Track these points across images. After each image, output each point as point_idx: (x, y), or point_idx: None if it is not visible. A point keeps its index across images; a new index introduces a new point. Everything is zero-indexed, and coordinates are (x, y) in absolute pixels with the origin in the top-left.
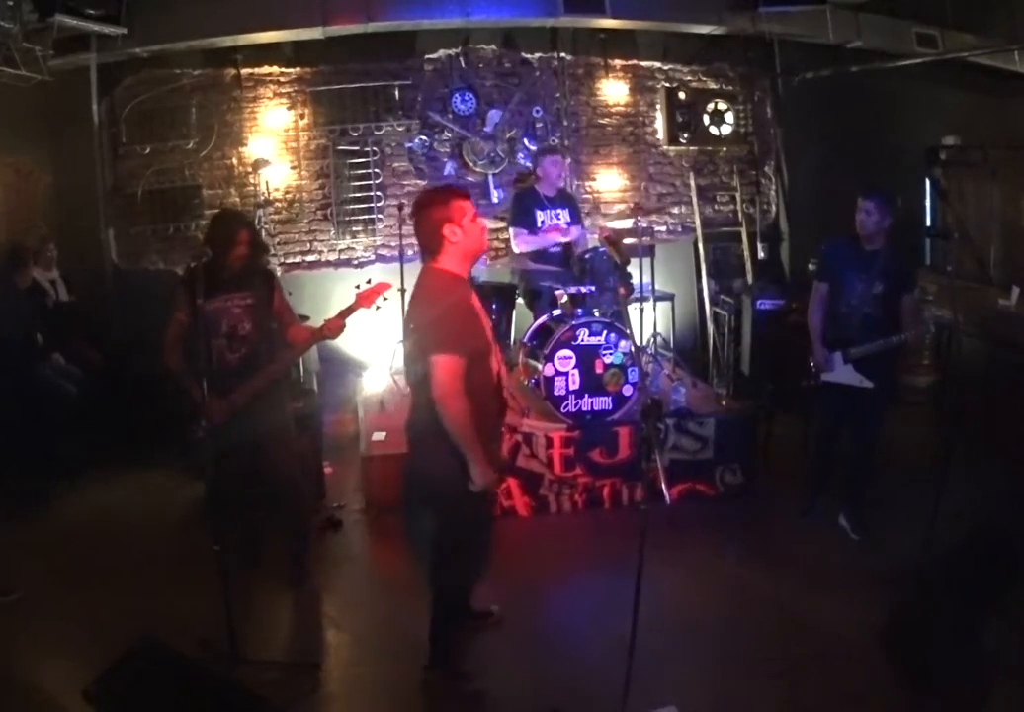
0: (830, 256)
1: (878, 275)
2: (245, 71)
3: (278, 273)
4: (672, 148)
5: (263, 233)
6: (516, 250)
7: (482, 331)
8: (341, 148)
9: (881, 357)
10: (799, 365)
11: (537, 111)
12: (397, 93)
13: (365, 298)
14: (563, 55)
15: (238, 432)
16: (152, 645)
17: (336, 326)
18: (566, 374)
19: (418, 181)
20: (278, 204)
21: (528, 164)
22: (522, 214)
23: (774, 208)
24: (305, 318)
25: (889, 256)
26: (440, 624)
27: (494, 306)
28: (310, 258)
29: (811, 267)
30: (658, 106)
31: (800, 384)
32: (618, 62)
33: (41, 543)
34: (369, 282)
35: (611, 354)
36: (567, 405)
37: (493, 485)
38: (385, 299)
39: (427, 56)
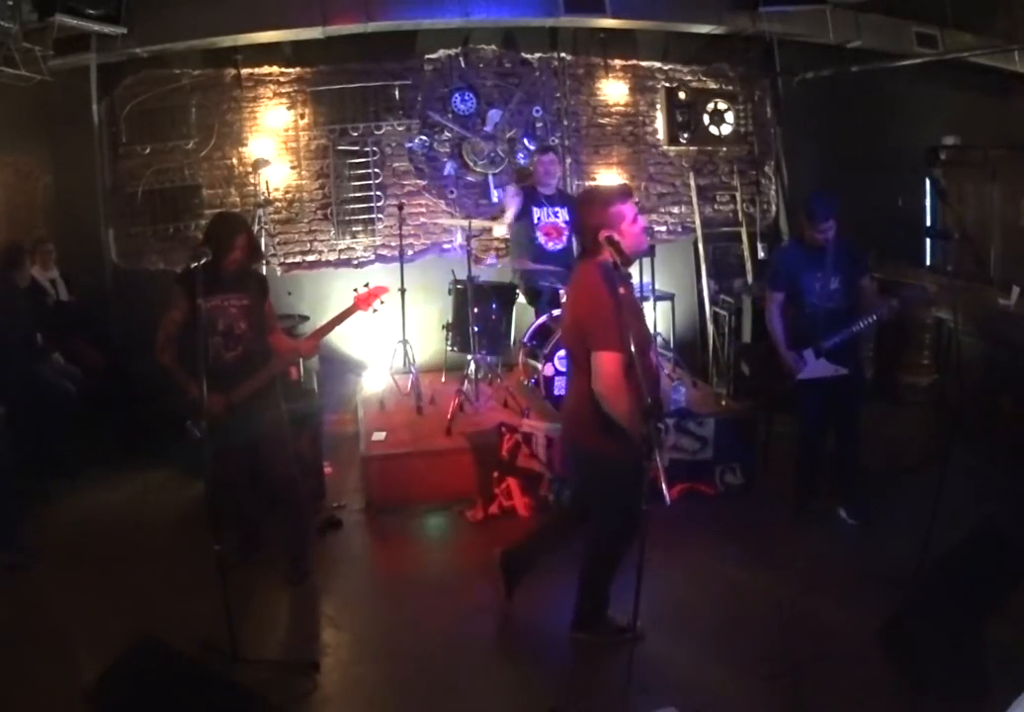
0: (781, 264)
1: (832, 270)
2: (245, 71)
3: (278, 273)
4: (672, 148)
5: (263, 233)
6: (501, 226)
7: (639, 324)
8: (341, 148)
9: (850, 342)
10: (775, 370)
11: (537, 111)
12: (397, 93)
13: (363, 301)
14: (563, 55)
15: (235, 431)
16: (151, 645)
17: (310, 347)
18: (566, 374)
19: (418, 181)
20: (278, 204)
21: (526, 163)
22: (522, 211)
23: (774, 208)
24: (305, 318)
25: (838, 249)
26: (597, 588)
27: (494, 306)
28: (310, 258)
29: None
30: (658, 106)
31: (775, 388)
32: (618, 62)
33: (40, 542)
34: (367, 285)
35: None
36: None
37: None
38: (382, 303)
39: (427, 56)
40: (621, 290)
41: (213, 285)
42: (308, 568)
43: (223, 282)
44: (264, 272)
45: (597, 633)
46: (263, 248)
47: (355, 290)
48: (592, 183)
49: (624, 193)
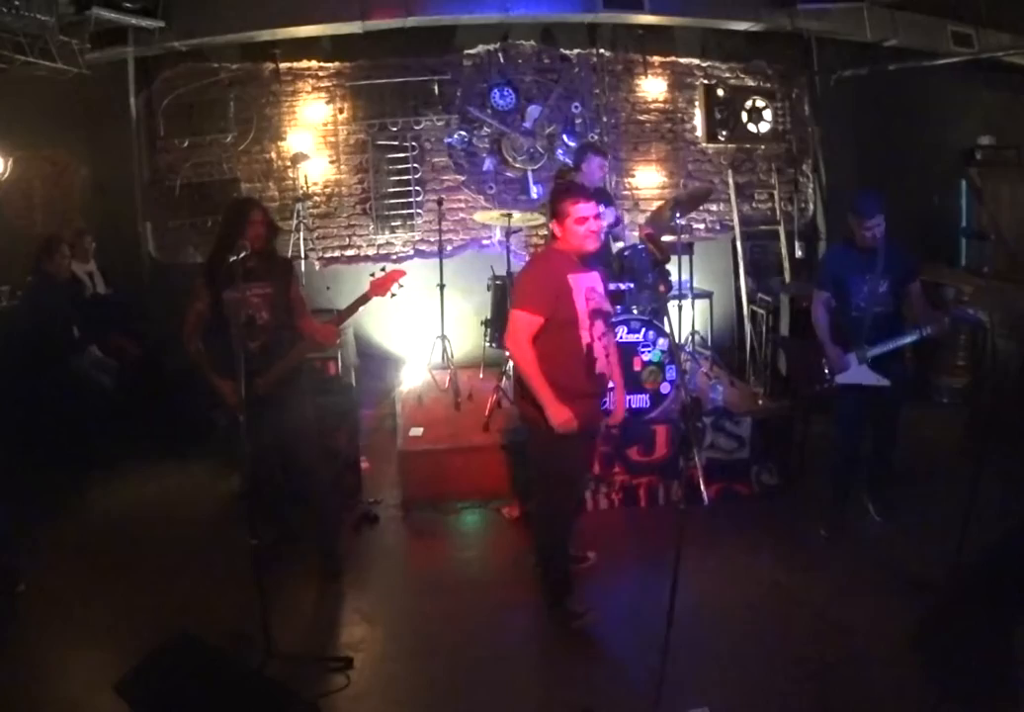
0: (830, 263)
1: (881, 273)
2: (283, 65)
3: (316, 267)
4: (711, 145)
5: (302, 227)
6: None
7: (569, 302)
8: (380, 143)
9: (896, 354)
10: (812, 370)
11: (576, 107)
12: (436, 88)
13: (379, 286)
14: (602, 51)
15: (264, 421)
16: (185, 639)
17: (328, 334)
18: None
19: (457, 176)
20: (317, 198)
21: (567, 160)
22: None
23: (811, 206)
24: None
25: (888, 252)
26: (550, 570)
27: None
28: (349, 252)
29: None
30: (696, 103)
31: (814, 389)
32: (656, 58)
33: (75, 535)
34: (384, 270)
35: (649, 351)
36: (604, 402)
37: (568, 427)
38: (400, 286)
39: (466, 51)
40: (571, 274)
41: (232, 276)
42: (338, 566)
43: (246, 272)
44: (290, 255)
45: (559, 614)
46: (302, 242)
47: (371, 275)
48: (631, 180)
49: (581, 193)
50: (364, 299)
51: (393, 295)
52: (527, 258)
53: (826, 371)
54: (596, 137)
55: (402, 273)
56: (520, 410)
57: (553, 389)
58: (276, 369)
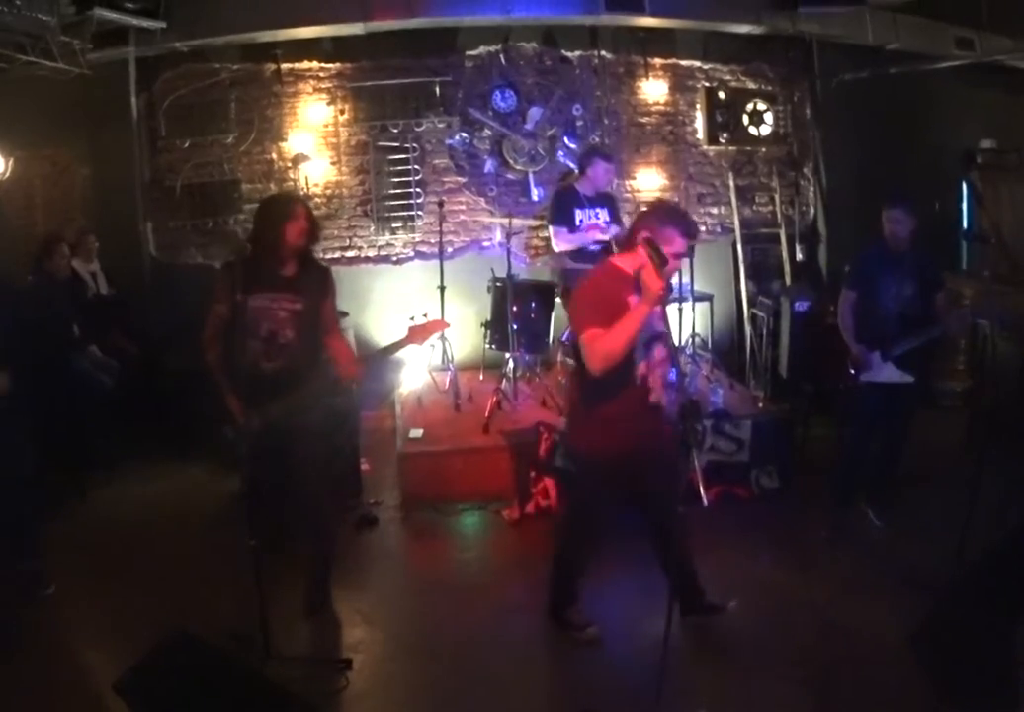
0: (862, 264)
1: (908, 277)
2: (285, 66)
3: None
4: (711, 148)
5: None
6: (556, 249)
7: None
8: (381, 144)
9: (919, 351)
10: (837, 369)
11: (577, 109)
12: (437, 89)
13: (417, 335)
14: (603, 53)
15: (269, 443)
16: (184, 639)
17: (354, 373)
18: None
19: (458, 178)
20: (318, 199)
21: (568, 163)
22: (562, 212)
23: (812, 210)
24: (344, 314)
25: (917, 258)
26: (557, 577)
27: (533, 304)
28: (349, 254)
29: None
30: (698, 105)
31: (839, 387)
32: (658, 61)
33: (75, 536)
34: (426, 316)
35: None
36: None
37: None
38: (441, 339)
39: (468, 53)
40: (632, 296)
41: (262, 280)
42: (323, 598)
43: (276, 279)
44: None
45: (559, 623)
46: None
47: (411, 319)
48: (632, 182)
49: (690, 229)
50: (399, 346)
51: (432, 346)
52: (527, 260)
53: (851, 370)
54: (597, 139)
55: (445, 325)
56: (566, 442)
57: (601, 425)
58: (292, 398)
